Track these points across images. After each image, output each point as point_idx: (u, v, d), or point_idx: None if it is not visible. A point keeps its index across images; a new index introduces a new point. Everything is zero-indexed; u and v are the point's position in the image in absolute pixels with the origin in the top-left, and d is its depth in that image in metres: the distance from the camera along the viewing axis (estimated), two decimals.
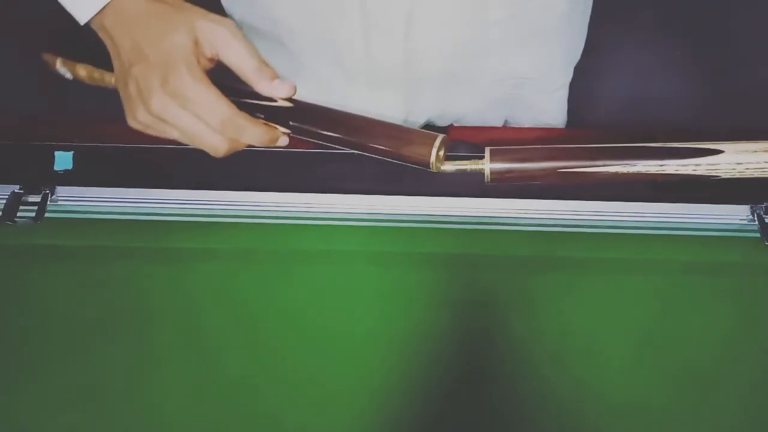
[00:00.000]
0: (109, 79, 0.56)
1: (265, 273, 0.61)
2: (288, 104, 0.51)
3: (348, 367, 0.58)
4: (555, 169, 0.46)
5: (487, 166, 0.48)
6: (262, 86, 0.50)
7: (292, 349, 0.59)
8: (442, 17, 0.59)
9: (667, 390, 0.57)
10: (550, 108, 0.70)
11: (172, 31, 0.47)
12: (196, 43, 0.48)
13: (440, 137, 0.49)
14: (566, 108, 0.70)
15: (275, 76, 0.50)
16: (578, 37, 0.66)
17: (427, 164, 0.49)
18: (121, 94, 0.50)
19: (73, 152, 0.65)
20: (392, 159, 0.50)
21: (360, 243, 0.62)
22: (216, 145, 0.49)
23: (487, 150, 0.48)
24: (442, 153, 0.49)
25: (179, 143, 0.51)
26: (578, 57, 0.69)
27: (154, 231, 0.63)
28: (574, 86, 0.69)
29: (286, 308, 0.60)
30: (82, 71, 0.58)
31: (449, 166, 0.49)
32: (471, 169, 0.49)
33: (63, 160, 0.66)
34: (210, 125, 0.48)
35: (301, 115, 0.51)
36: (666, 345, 0.58)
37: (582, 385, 0.56)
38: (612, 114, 0.72)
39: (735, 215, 0.61)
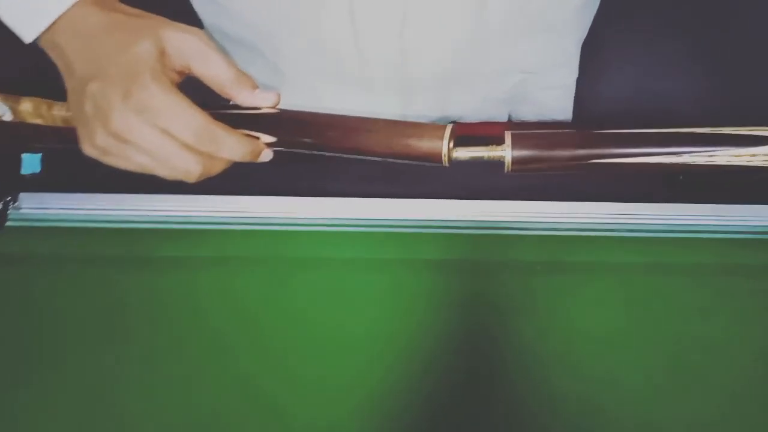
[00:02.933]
0: (59, 112, 0.50)
1: (249, 284, 0.56)
2: (272, 111, 0.46)
3: (352, 375, 0.53)
4: (588, 157, 0.41)
5: (508, 152, 0.43)
6: (244, 97, 0.45)
7: (295, 356, 0.53)
8: (440, 11, 0.54)
9: (698, 401, 0.52)
10: (556, 104, 0.65)
11: (135, 40, 0.42)
12: (163, 54, 0.42)
13: (449, 127, 0.44)
14: (572, 103, 0.66)
15: (256, 85, 0.45)
16: (586, 28, 0.62)
17: (438, 158, 0.44)
18: (74, 119, 0.44)
19: (41, 154, 0.59)
20: (398, 159, 0.45)
21: (364, 250, 0.57)
22: (188, 166, 0.43)
23: (508, 134, 0.43)
24: (452, 145, 0.44)
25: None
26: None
27: (126, 240, 0.57)
28: (581, 80, 0.65)
29: (280, 319, 0.55)
30: (27, 105, 0.51)
31: (463, 153, 0.44)
32: (489, 157, 0.43)
33: (30, 163, 0.59)
34: (181, 140, 0.42)
35: (287, 123, 0.46)
36: (700, 352, 0.54)
37: (602, 399, 0.51)
38: (623, 108, 0.67)
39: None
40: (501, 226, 0.57)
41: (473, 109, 0.63)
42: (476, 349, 0.53)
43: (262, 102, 0.45)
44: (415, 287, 0.55)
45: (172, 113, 0.42)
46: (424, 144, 0.44)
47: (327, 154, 0.46)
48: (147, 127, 0.41)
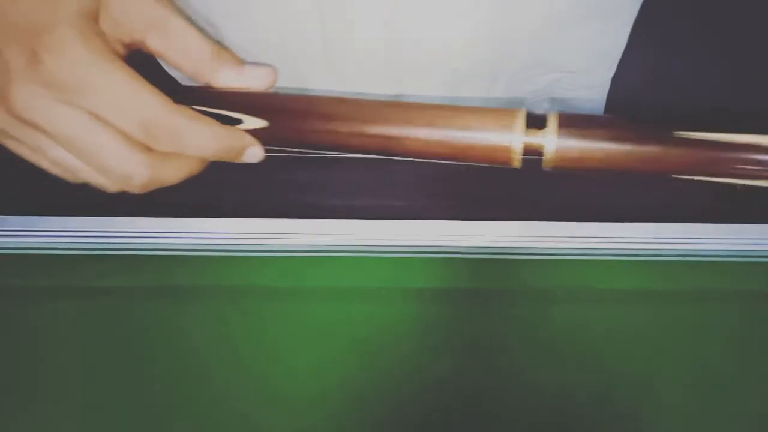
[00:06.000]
0: None
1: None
2: (261, 92, 0.34)
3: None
4: (677, 168, 0.30)
5: (551, 140, 0.32)
6: (226, 77, 0.33)
7: (275, 390, 0.44)
8: None
9: None
10: (588, 103, 0.53)
11: None
12: (101, 11, 0.30)
13: (522, 111, 0.33)
14: (605, 100, 0.55)
15: (241, 60, 0.33)
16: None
17: (505, 159, 0.32)
18: None
19: None
20: (440, 159, 0.34)
21: (357, 278, 0.47)
22: (131, 168, 0.31)
23: (553, 117, 0.32)
24: (529, 140, 0.32)
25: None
26: None
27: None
28: None
29: (259, 353, 0.45)
30: None
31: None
32: (527, 145, 0.32)
33: None
34: (121, 130, 0.30)
35: (283, 108, 0.34)
36: (757, 396, 0.44)
37: None
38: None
39: None
40: (520, 251, 0.48)
41: None
42: (482, 389, 0.44)
43: (253, 82, 0.34)
44: (414, 320, 0.46)
45: (109, 94, 0.29)
46: (483, 137, 0.32)
47: (336, 154, 0.35)
48: (66, 109, 0.29)
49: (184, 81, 0.38)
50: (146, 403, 0.43)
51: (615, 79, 0.53)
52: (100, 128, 0.30)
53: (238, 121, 0.34)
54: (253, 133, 0.34)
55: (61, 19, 0.28)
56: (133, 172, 0.31)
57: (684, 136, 0.31)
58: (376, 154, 0.35)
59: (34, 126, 0.30)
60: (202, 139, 0.32)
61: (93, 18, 0.30)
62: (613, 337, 0.46)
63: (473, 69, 0.47)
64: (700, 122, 0.31)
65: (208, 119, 0.32)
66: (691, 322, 0.46)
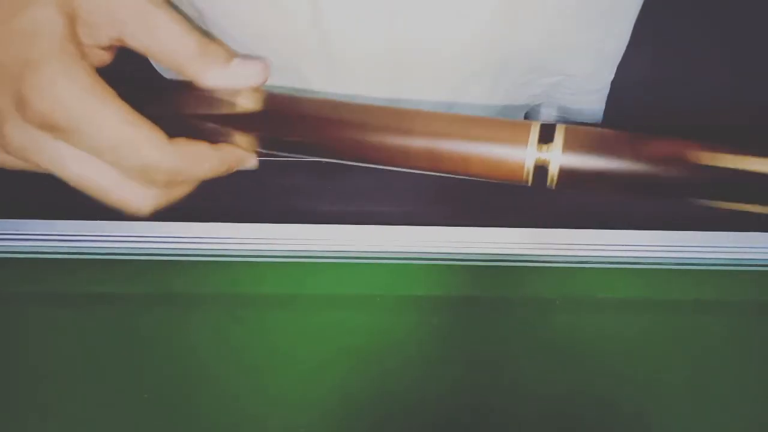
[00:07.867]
0: None
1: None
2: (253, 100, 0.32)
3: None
4: (697, 190, 0.29)
5: (555, 155, 0.30)
6: (214, 76, 0.30)
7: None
8: None
9: None
10: (588, 108, 0.52)
11: (28, 4, 0.27)
12: (75, 21, 0.28)
13: (536, 124, 0.30)
14: (604, 105, 0.54)
15: (230, 54, 0.31)
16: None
17: (518, 175, 0.30)
18: None
19: None
20: (447, 173, 0.32)
21: (354, 285, 0.47)
22: (138, 201, 0.30)
23: (561, 129, 0.30)
24: (544, 156, 0.30)
25: None
26: None
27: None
28: None
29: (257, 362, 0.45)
30: None
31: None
32: (537, 161, 0.30)
33: None
34: (121, 168, 0.29)
35: (277, 106, 0.32)
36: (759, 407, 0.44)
37: None
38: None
39: None
40: (519, 258, 0.48)
41: (483, 113, 0.52)
42: (480, 397, 0.43)
43: (244, 79, 0.31)
44: (412, 327, 0.46)
45: (101, 137, 0.27)
46: (495, 152, 0.30)
47: (335, 161, 0.34)
48: (62, 147, 0.28)
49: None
50: (144, 410, 0.43)
51: (614, 83, 0.53)
52: (98, 167, 0.29)
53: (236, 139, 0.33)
54: (242, 120, 0.32)
55: (44, 55, 0.27)
56: (141, 204, 0.30)
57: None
58: (374, 164, 0.33)
59: (36, 162, 0.29)
60: (198, 171, 0.31)
61: (73, 39, 0.28)
62: (612, 345, 0.46)
63: (476, 72, 0.47)
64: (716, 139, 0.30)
65: (202, 149, 0.31)
66: (690, 331, 0.46)
